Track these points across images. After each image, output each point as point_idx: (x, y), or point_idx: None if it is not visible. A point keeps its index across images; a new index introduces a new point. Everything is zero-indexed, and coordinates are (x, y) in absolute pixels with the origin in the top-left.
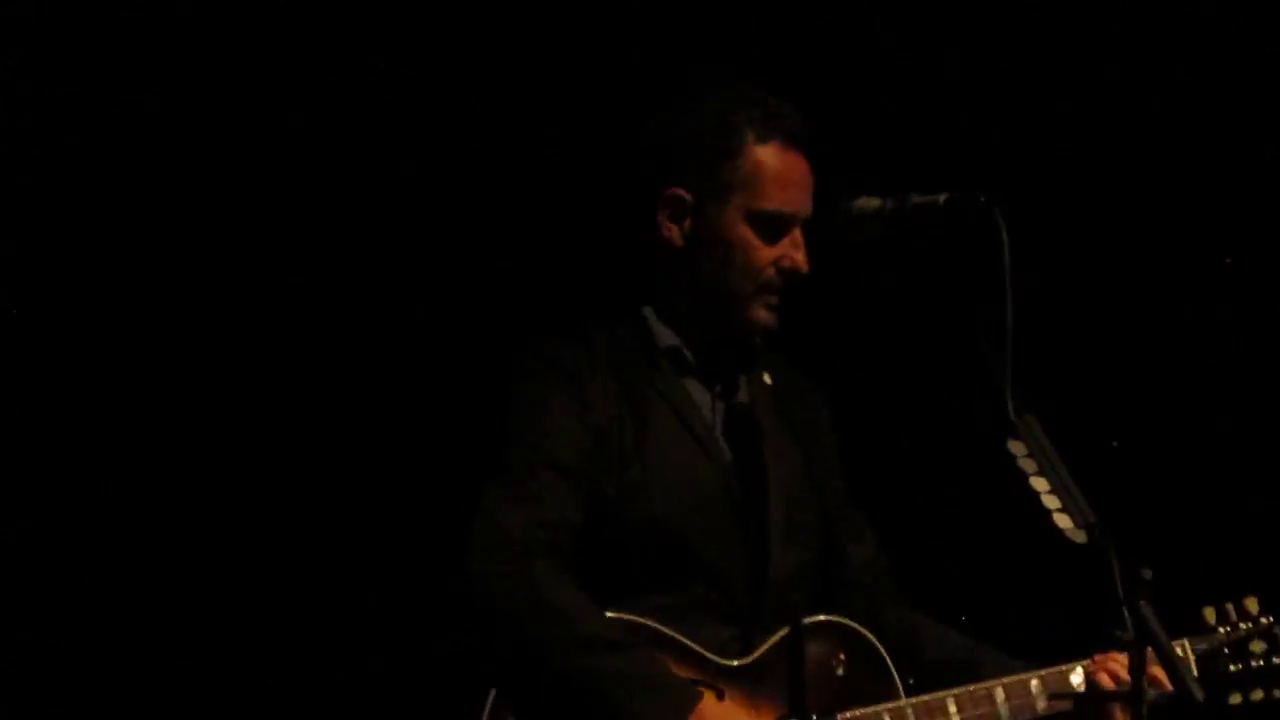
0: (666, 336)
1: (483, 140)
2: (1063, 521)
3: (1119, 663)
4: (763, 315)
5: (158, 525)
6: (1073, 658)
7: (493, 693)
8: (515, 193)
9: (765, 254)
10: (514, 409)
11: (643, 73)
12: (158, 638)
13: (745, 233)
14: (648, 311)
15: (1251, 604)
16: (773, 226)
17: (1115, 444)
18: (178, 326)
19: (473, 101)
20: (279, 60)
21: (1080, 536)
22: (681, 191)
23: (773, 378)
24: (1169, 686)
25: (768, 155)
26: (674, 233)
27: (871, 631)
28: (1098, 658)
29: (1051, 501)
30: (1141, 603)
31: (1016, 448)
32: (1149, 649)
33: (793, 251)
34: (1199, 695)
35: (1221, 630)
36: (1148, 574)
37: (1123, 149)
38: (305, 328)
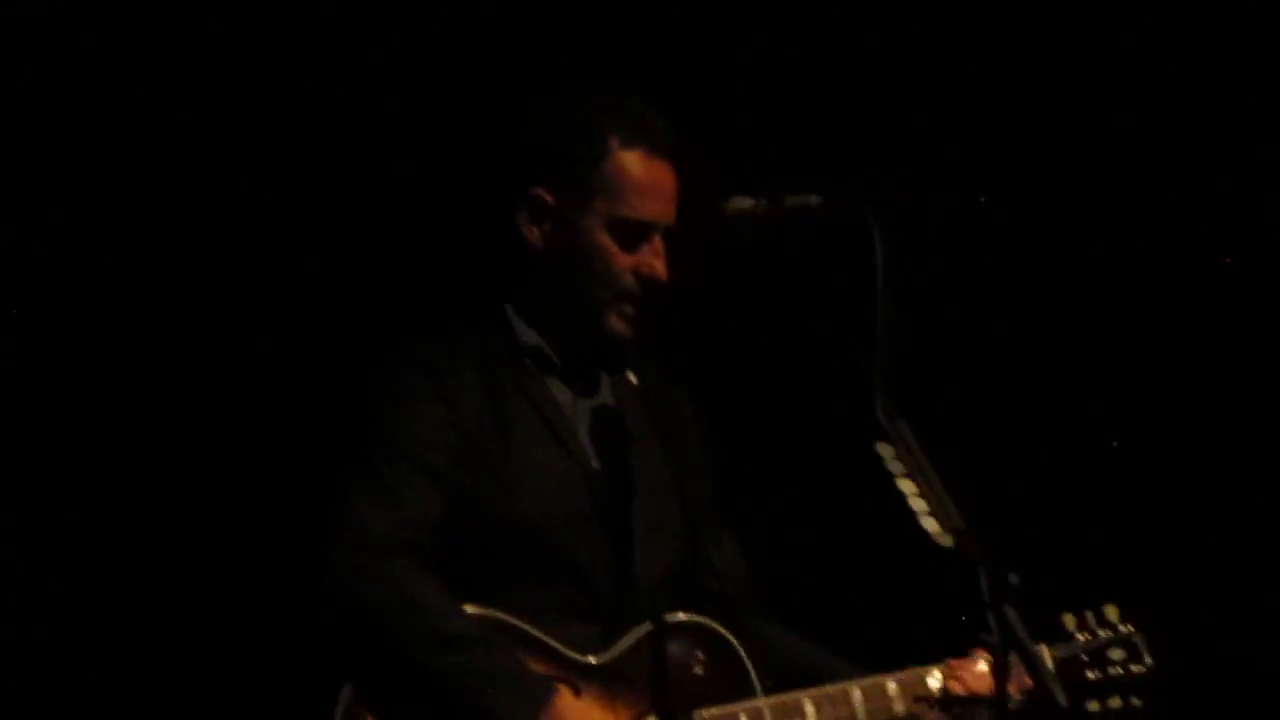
0: (529, 336)
1: (343, 137)
2: (930, 525)
3: (970, 671)
4: (618, 324)
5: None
6: (933, 661)
7: (348, 689)
8: (377, 190)
9: (624, 261)
10: (377, 406)
11: (510, 69)
12: None
13: (604, 239)
14: (509, 310)
15: (1111, 612)
16: (633, 234)
17: (1114, 443)
18: None
19: (336, 98)
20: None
21: (947, 540)
22: (543, 193)
23: (639, 378)
24: (1023, 693)
25: (631, 162)
26: (534, 234)
27: (731, 634)
28: (952, 663)
29: (919, 505)
30: (1007, 607)
31: (885, 450)
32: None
33: (652, 260)
34: (1063, 701)
35: (1081, 637)
36: (1014, 579)
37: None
38: (166, 327)
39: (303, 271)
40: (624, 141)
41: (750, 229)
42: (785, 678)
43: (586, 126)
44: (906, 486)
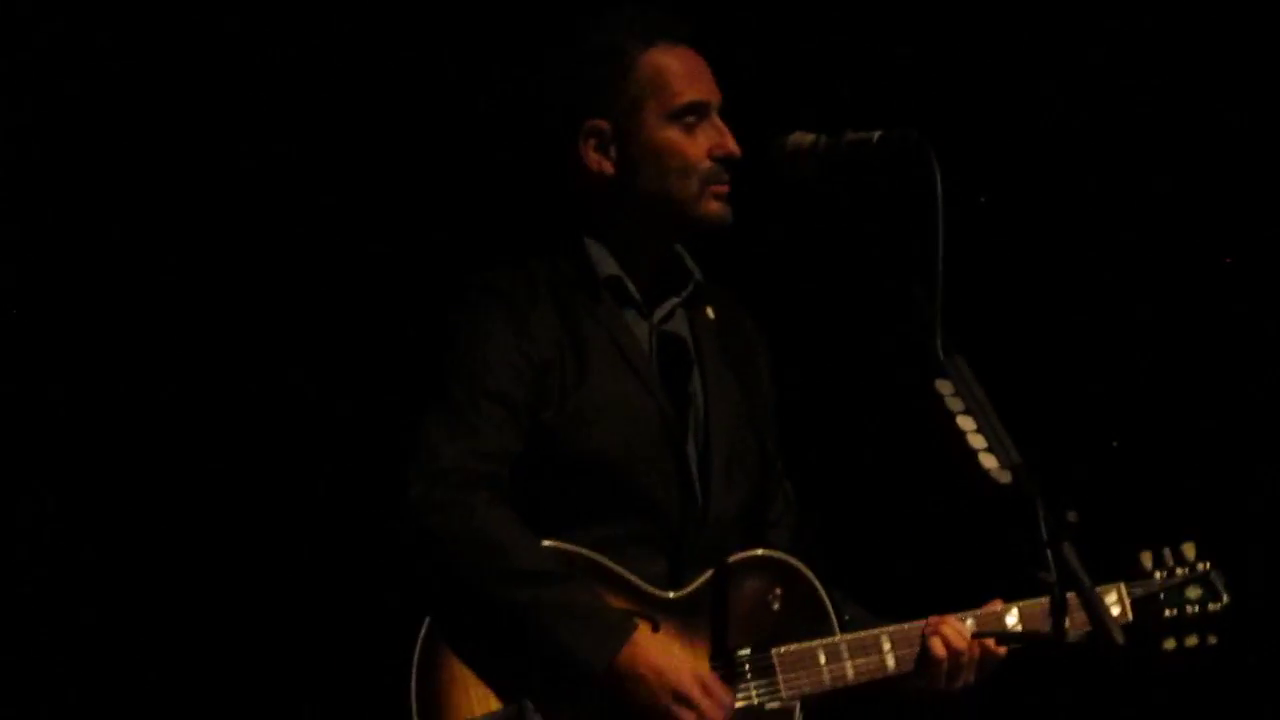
0: (608, 266)
1: (411, 82)
2: (988, 461)
3: (952, 628)
4: (715, 208)
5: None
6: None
7: (426, 622)
8: (450, 127)
9: (696, 149)
10: (455, 339)
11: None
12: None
13: (670, 135)
14: (588, 241)
15: (1189, 549)
16: (691, 121)
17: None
18: None
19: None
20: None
21: (1005, 477)
22: (597, 122)
23: (716, 313)
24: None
25: (658, 58)
26: (603, 164)
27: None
28: (933, 620)
29: (977, 441)
30: (1065, 545)
31: (944, 387)
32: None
33: (720, 138)
34: (1119, 639)
35: (1158, 575)
36: (1073, 516)
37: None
38: (237, 263)
39: (374, 205)
40: (644, 44)
41: (810, 165)
42: None
43: (605, 47)
44: (964, 423)
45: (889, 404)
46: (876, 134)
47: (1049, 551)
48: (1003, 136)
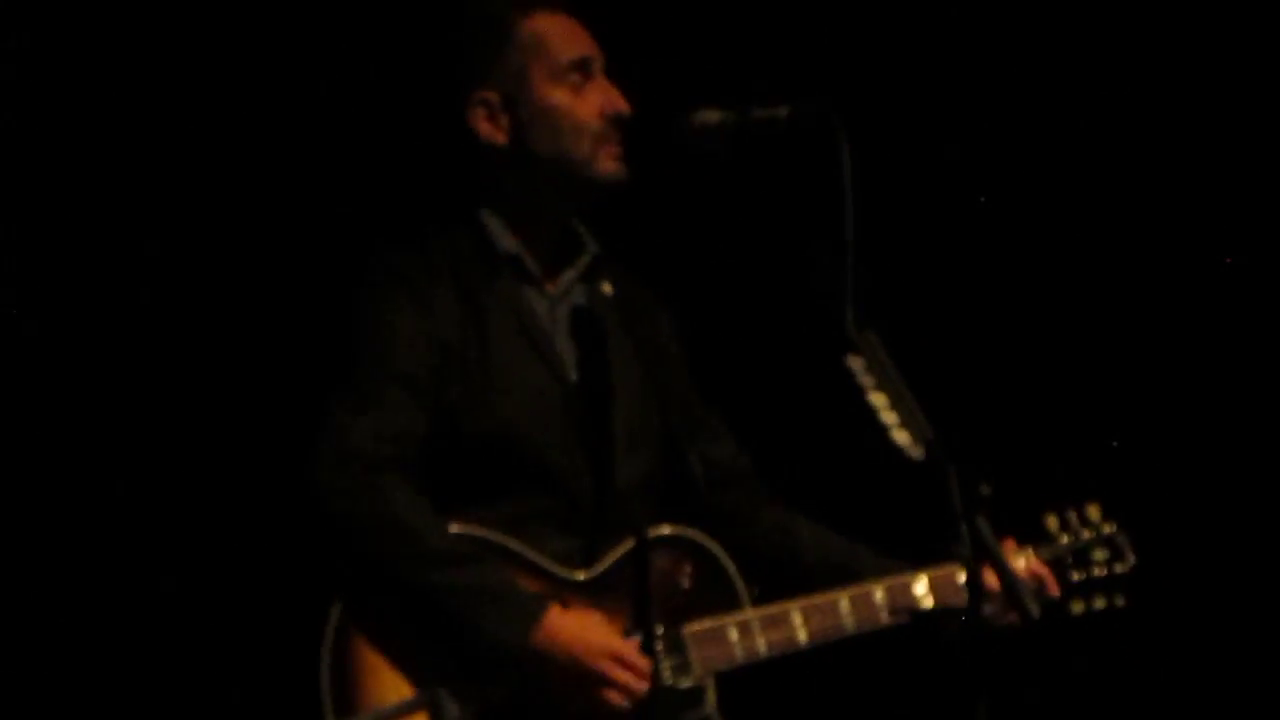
0: (507, 243)
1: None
2: (900, 437)
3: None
4: (611, 166)
5: None
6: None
7: (336, 611)
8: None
9: (585, 109)
10: (358, 321)
11: None
12: None
13: (559, 96)
14: (486, 215)
15: (1093, 511)
16: (577, 79)
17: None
18: None
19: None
20: None
21: (918, 452)
22: (485, 93)
23: (613, 287)
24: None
25: (537, 23)
26: (495, 133)
27: (744, 532)
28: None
29: (889, 417)
30: (979, 518)
31: (855, 363)
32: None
33: (608, 97)
34: (1034, 612)
35: (1064, 538)
36: (986, 490)
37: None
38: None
39: (273, 189)
40: (521, 11)
41: (718, 142)
42: (807, 570)
43: (484, 17)
44: (877, 400)
45: (801, 379)
46: (784, 110)
47: (962, 525)
48: (938, 116)
